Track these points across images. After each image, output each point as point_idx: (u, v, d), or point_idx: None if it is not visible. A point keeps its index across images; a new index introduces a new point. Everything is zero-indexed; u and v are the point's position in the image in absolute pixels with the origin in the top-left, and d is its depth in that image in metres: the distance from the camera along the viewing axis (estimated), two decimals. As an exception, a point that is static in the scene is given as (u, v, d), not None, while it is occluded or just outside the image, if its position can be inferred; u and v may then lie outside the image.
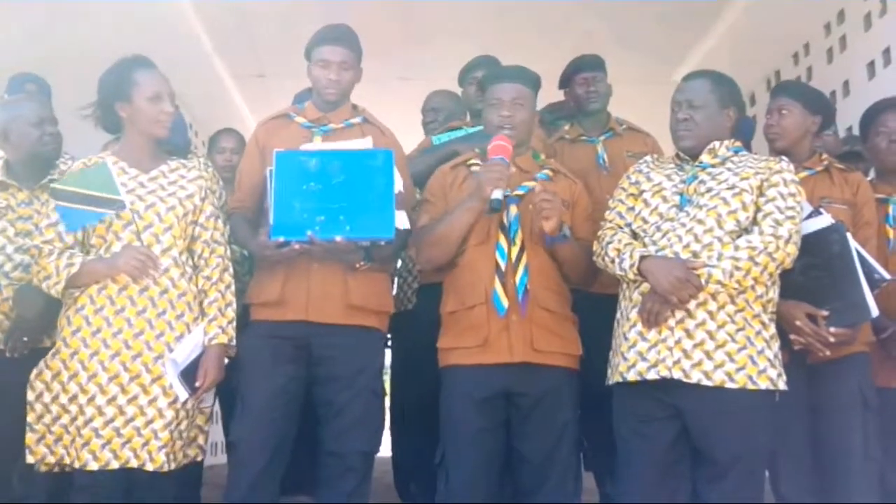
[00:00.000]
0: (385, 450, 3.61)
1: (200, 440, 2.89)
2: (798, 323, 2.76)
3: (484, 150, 2.91)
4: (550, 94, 4.23)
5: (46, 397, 2.73)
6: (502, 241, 2.82)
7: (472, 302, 2.80)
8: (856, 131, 4.35)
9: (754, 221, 2.67)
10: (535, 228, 2.80)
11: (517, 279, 2.78)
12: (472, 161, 2.97)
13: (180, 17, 5.50)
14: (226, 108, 6.81)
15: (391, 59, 5.81)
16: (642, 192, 2.83)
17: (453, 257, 2.87)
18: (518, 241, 2.82)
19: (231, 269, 2.94)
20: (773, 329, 2.69)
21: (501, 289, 2.77)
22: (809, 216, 2.86)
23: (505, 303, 2.75)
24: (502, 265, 2.79)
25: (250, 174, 3.07)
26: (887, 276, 2.88)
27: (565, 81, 3.88)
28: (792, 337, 2.79)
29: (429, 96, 4.15)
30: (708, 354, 2.59)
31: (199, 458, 2.91)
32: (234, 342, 2.88)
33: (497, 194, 2.71)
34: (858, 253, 2.81)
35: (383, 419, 3.05)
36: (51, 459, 2.73)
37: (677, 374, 2.60)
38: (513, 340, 2.76)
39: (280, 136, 3.03)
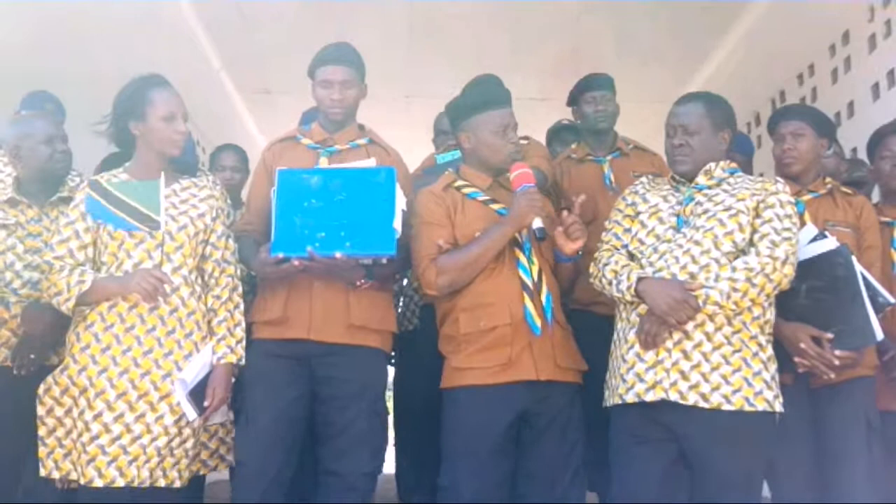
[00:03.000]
0: (389, 467, 3.62)
1: (222, 451, 2.94)
2: (802, 345, 2.77)
3: (456, 168, 2.99)
4: (561, 112, 4.28)
5: (58, 411, 2.75)
6: (523, 260, 2.85)
7: (494, 323, 2.79)
8: (860, 152, 4.38)
9: (751, 243, 2.69)
10: (562, 249, 2.84)
11: (543, 298, 2.81)
12: (462, 183, 2.96)
13: (187, 34, 5.54)
14: (232, 124, 6.84)
15: (398, 77, 5.85)
16: (639, 213, 2.85)
17: None
18: (536, 261, 2.85)
19: (240, 289, 2.96)
20: (770, 351, 2.70)
21: (533, 308, 2.79)
22: (814, 239, 2.88)
23: (539, 322, 2.77)
24: (530, 284, 2.81)
25: (258, 197, 3.10)
26: (892, 299, 2.89)
27: (573, 100, 3.90)
28: (796, 359, 2.80)
29: (439, 117, 4.16)
30: (705, 377, 2.61)
31: (221, 468, 2.96)
32: (242, 361, 2.89)
33: (538, 223, 2.76)
34: (863, 276, 2.82)
35: (386, 439, 3.05)
36: (56, 475, 2.75)
37: (674, 396, 2.61)
38: (537, 358, 2.78)
39: (287, 158, 3.06)
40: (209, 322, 2.86)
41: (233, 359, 2.85)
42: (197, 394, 2.76)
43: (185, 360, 2.76)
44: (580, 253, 2.88)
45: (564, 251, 2.84)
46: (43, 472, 2.76)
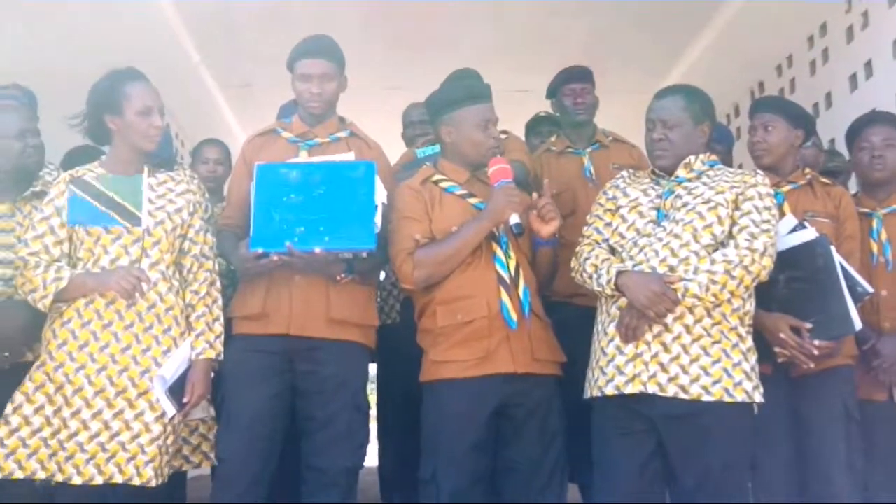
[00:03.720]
0: (372, 461, 3.60)
1: (205, 447, 2.93)
2: (782, 335, 2.78)
3: (434, 162, 3.00)
4: (539, 105, 4.26)
5: (27, 409, 2.70)
6: (500, 254, 2.84)
7: (472, 316, 2.79)
8: (838, 143, 4.40)
9: (730, 235, 2.69)
10: (538, 233, 2.83)
11: (520, 292, 2.81)
12: (440, 178, 2.95)
13: (167, 27, 5.49)
14: (212, 118, 6.80)
15: (377, 68, 5.82)
16: (619, 207, 2.85)
17: None
18: (513, 255, 2.85)
19: (218, 284, 2.94)
20: (749, 342, 2.71)
21: (510, 302, 2.78)
22: (794, 230, 2.89)
23: (515, 316, 2.77)
24: (506, 278, 2.81)
25: (238, 191, 3.08)
26: (870, 289, 2.91)
27: (553, 92, 3.89)
28: (776, 349, 2.81)
29: (408, 109, 4.15)
30: (684, 368, 2.61)
31: (206, 465, 2.96)
32: (221, 357, 2.87)
33: (515, 218, 2.76)
34: (842, 266, 2.83)
35: (367, 434, 3.04)
36: (19, 475, 2.67)
37: (652, 389, 2.62)
38: (514, 351, 2.78)
39: (267, 151, 3.04)
40: (188, 317, 2.84)
41: (212, 354, 2.83)
42: (176, 390, 2.74)
43: (164, 356, 2.74)
44: (557, 236, 2.88)
45: (541, 234, 2.83)
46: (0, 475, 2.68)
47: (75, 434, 2.66)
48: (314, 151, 3.03)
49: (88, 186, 2.80)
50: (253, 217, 2.85)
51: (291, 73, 3.05)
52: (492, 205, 2.80)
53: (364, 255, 2.86)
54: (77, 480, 2.63)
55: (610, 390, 2.68)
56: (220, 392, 2.94)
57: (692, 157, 2.82)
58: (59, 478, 2.66)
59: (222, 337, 2.88)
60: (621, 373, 2.67)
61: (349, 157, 3.00)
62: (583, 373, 2.84)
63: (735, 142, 4.39)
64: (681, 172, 2.81)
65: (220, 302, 2.91)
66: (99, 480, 2.63)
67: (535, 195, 2.83)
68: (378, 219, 2.82)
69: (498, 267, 2.83)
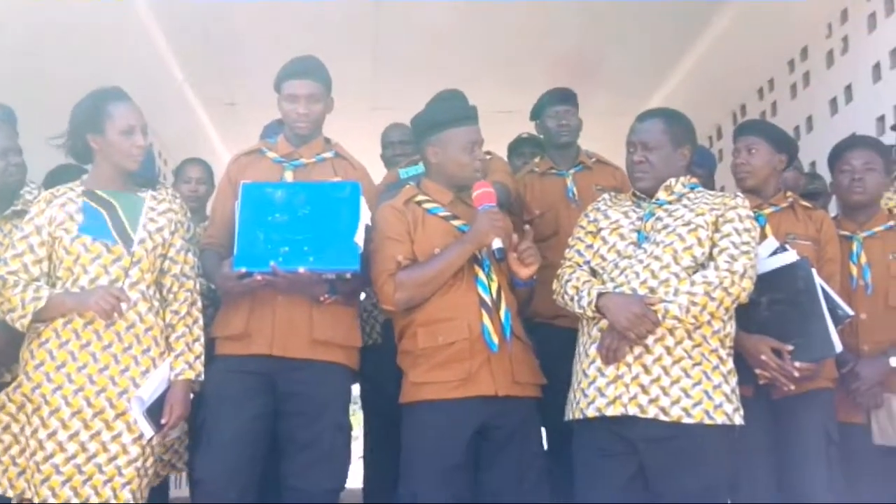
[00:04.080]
0: (357, 482, 3.58)
1: (173, 459, 2.94)
2: (763, 357, 2.79)
3: (417, 182, 3.01)
4: (522, 126, 4.28)
5: (15, 428, 2.70)
6: (482, 277, 2.84)
7: (453, 338, 2.78)
8: (819, 166, 4.44)
9: (710, 257, 2.70)
10: (517, 274, 2.85)
11: (502, 314, 2.81)
12: (423, 198, 2.95)
13: (150, 45, 5.48)
14: (196, 136, 6.79)
15: (362, 89, 5.84)
16: (600, 229, 2.86)
17: None
18: (495, 277, 2.85)
19: (199, 304, 2.92)
20: (730, 364, 2.71)
21: (491, 325, 2.78)
22: (775, 252, 2.91)
23: (496, 339, 2.77)
24: (488, 301, 2.81)
25: (222, 210, 3.08)
26: (850, 311, 2.92)
27: (537, 114, 3.91)
28: (757, 371, 2.82)
29: (388, 130, 4.16)
30: (664, 390, 2.61)
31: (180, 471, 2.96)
32: (201, 377, 2.85)
33: (498, 243, 2.77)
34: (823, 289, 2.85)
35: (349, 455, 3.03)
36: (10, 493, 2.68)
37: (633, 410, 2.62)
38: (496, 374, 2.77)
39: (252, 171, 3.05)
40: (167, 338, 2.82)
41: (191, 375, 2.81)
42: (154, 411, 2.71)
43: (143, 377, 2.72)
44: (535, 279, 2.89)
45: (519, 276, 2.86)
46: None
47: (51, 456, 2.63)
48: (299, 172, 3.04)
49: (100, 199, 2.79)
50: (237, 236, 2.84)
51: (278, 93, 3.06)
52: (475, 228, 2.81)
53: (348, 276, 2.86)
54: (53, 502, 2.60)
55: (591, 412, 2.67)
56: (200, 413, 2.91)
57: (673, 180, 2.83)
58: (36, 500, 2.63)
59: (202, 357, 2.86)
60: (602, 395, 2.66)
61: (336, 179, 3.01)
62: (564, 395, 2.84)
63: (717, 164, 4.42)
64: (661, 195, 2.83)
65: (200, 322, 2.89)
66: (75, 502, 2.60)
67: (515, 237, 2.83)
68: (361, 240, 2.82)
69: (480, 290, 2.83)
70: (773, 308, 2.85)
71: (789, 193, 3.26)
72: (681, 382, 2.61)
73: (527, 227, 2.99)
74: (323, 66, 3.08)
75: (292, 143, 3.10)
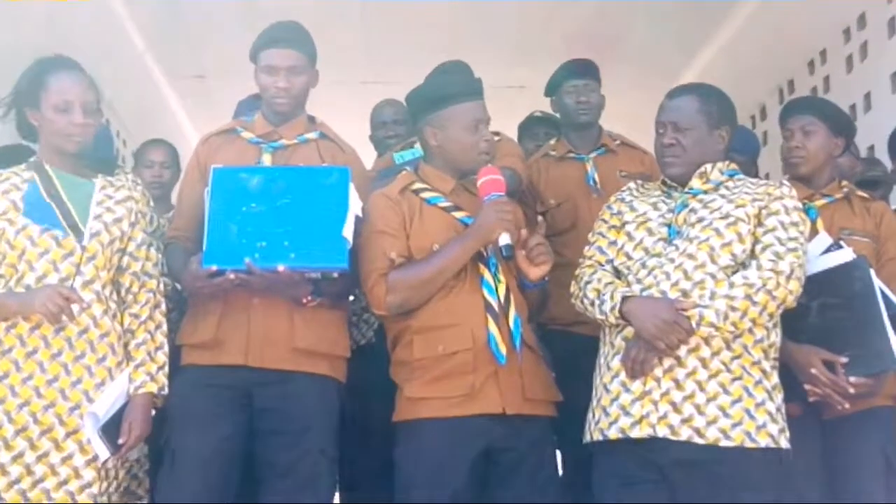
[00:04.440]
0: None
1: (132, 486, 2.94)
2: (813, 371, 2.80)
3: (415, 167, 3.00)
4: (536, 103, 4.28)
5: None
6: (488, 277, 2.84)
7: (454, 347, 2.79)
8: (879, 150, 4.43)
9: (752, 255, 2.70)
10: (526, 275, 2.84)
11: (510, 321, 2.81)
12: (421, 186, 2.95)
13: (107, 9, 5.48)
14: (159, 114, 6.80)
15: (352, 60, 5.84)
16: (625, 223, 2.86)
17: None
18: (503, 278, 2.85)
19: (163, 307, 2.93)
20: (775, 378, 2.71)
21: (498, 333, 2.78)
22: (828, 250, 2.92)
23: (504, 349, 2.77)
24: (494, 305, 2.81)
25: (190, 198, 3.08)
26: (915, 318, 2.92)
27: (552, 89, 3.91)
28: (806, 387, 2.83)
29: (380, 106, 4.15)
30: (699, 408, 2.61)
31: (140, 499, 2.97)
32: (164, 391, 2.86)
33: (506, 239, 2.75)
34: (883, 292, 2.85)
35: (334, 482, 3.04)
36: None
37: (663, 432, 2.62)
38: (503, 389, 2.78)
39: (224, 153, 3.05)
40: (126, 345, 2.83)
41: (153, 388, 2.82)
42: (111, 429, 2.72)
43: (97, 390, 2.72)
44: (546, 279, 2.89)
45: (529, 277, 2.85)
46: None
47: (-9, 481, 2.65)
48: (279, 155, 3.04)
49: (48, 184, 2.80)
50: (207, 229, 2.84)
51: (255, 64, 3.07)
52: (480, 221, 2.81)
53: (335, 275, 2.86)
54: (-6, 533, 2.62)
55: (613, 433, 2.67)
56: (164, 432, 2.91)
57: (708, 166, 2.83)
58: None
59: (166, 368, 2.86)
60: (626, 413, 2.66)
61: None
62: (582, 413, 2.84)
63: (761, 148, 4.42)
64: (695, 183, 2.83)
65: (164, 328, 2.90)
66: (21, 533, 2.63)
67: (524, 232, 2.83)
68: (350, 233, 2.82)
69: (485, 292, 2.83)
70: (824, 314, 2.85)
71: (844, 182, 3.26)
72: (718, 400, 2.61)
73: (539, 219, 2.99)
74: (307, 33, 3.08)
75: (271, 121, 3.10)
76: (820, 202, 3.14)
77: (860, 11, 5.22)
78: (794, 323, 2.79)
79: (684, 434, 2.61)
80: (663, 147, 2.85)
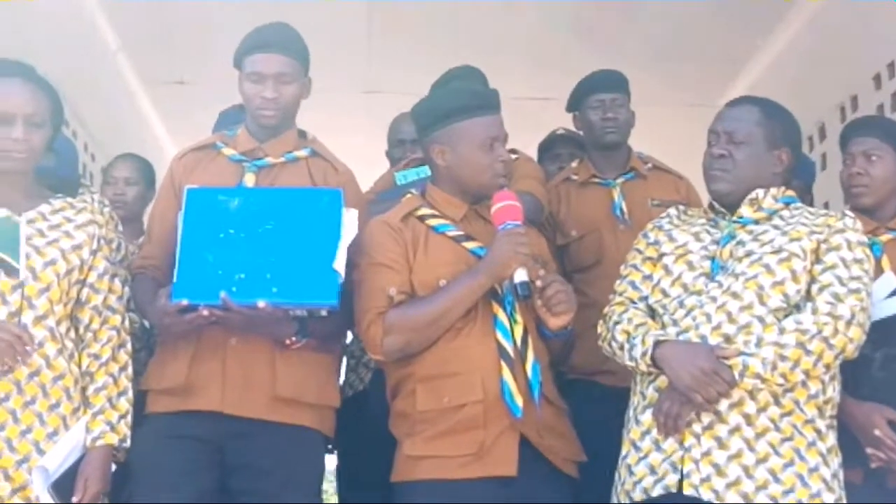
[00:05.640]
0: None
1: None
2: (877, 432, 2.78)
3: (422, 190, 3.02)
4: (558, 119, 4.29)
5: None
6: (502, 318, 2.84)
7: (463, 399, 2.78)
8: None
9: (808, 296, 2.69)
10: (545, 323, 2.84)
11: (528, 368, 2.80)
12: (427, 212, 2.96)
13: (78, 8, 5.52)
14: (134, 124, 6.84)
15: (352, 68, 5.87)
16: (662, 255, 2.86)
17: None
18: (519, 319, 2.85)
19: (129, 346, 2.93)
20: (832, 440, 2.71)
21: (514, 382, 2.77)
22: (894, 293, 2.90)
23: (520, 401, 2.76)
24: (509, 350, 2.81)
25: (162, 222, 3.10)
26: None
27: (575, 104, 3.92)
28: (868, 450, 2.81)
29: (398, 122, 4.16)
30: (747, 471, 2.60)
31: None
32: (126, 443, 2.85)
33: (522, 275, 2.75)
34: (957, 343, 2.84)
35: None
36: None
37: (708, 496, 2.60)
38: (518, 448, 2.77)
39: (201, 172, 3.07)
40: (84, 389, 2.83)
41: (113, 439, 2.81)
42: (63, 486, 2.72)
43: (49, 441, 2.72)
44: (570, 328, 2.88)
45: (548, 327, 2.85)
46: None
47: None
48: (263, 174, 3.06)
49: None
50: (178, 257, 2.85)
51: (239, 70, 3.08)
52: (493, 255, 2.80)
53: (323, 312, 2.86)
54: None
55: (638, 495, 2.67)
56: (126, 490, 2.92)
57: (760, 192, 2.83)
58: None
59: (129, 417, 2.86)
60: (654, 472, 2.66)
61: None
62: (609, 474, 2.84)
63: (817, 174, 4.41)
64: (745, 211, 2.83)
65: (129, 370, 2.90)
66: None
67: (539, 283, 2.80)
68: (341, 266, 2.82)
69: (499, 335, 2.82)
70: (890, 367, 2.85)
71: (913, 215, 3.25)
72: (767, 462, 2.60)
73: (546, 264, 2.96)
74: (298, 36, 3.10)
75: (256, 136, 3.11)
76: (886, 237, 3.14)
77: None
78: (854, 376, 2.79)
79: (730, 499, 2.59)
80: (712, 158, 2.85)
